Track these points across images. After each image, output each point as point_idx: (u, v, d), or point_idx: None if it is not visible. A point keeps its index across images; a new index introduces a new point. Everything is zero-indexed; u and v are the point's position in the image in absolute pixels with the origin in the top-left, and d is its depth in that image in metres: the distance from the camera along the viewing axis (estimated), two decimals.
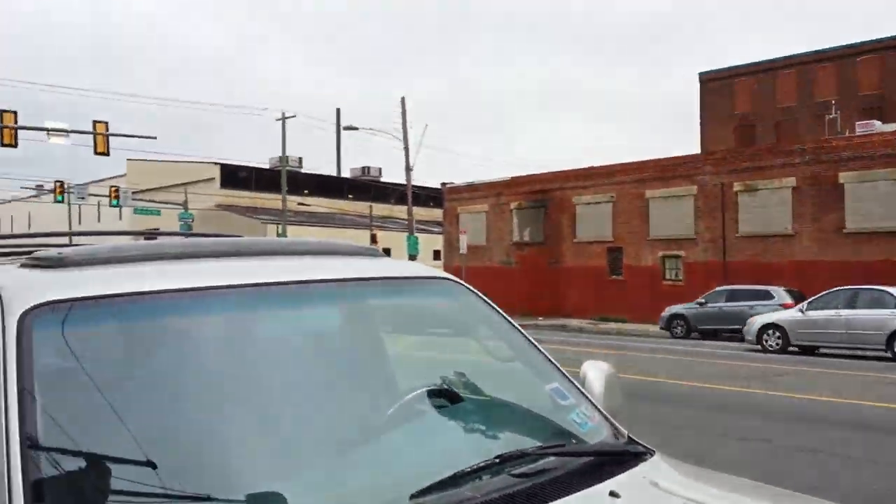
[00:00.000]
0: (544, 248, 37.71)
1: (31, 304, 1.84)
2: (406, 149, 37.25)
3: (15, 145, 25.82)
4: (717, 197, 31.39)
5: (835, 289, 20.41)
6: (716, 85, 55.72)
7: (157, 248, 2.27)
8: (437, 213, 59.72)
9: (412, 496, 1.72)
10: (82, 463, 1.66)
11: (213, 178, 53.44)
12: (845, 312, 19.09)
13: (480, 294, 2.59)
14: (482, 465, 1.87)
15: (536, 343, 2.52)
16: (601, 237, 35.31)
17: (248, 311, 2.16)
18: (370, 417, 2.21)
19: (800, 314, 20.21)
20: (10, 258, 2.72)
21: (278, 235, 43.26)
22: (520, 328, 2.54)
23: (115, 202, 40.07)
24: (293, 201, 48.60)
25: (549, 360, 2.48)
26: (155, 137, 29.60)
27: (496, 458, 1.90)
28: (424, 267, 2.72)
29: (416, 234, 39.50)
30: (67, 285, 1.95)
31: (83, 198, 40.81)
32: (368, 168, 67.20)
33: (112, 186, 41.09)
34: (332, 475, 1.90)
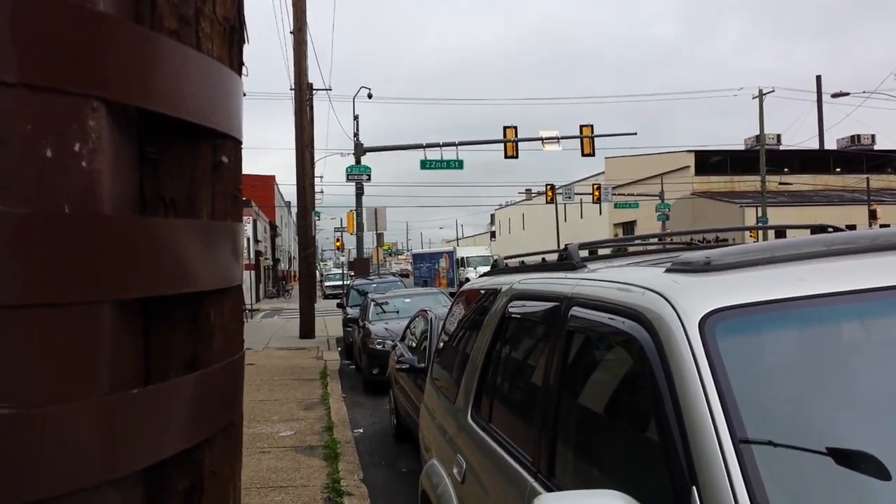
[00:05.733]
0: None
1: (708, 310, 1.91)
2: None
3: (516, 156, 29.19)
4: None
5: None
6: None
7: (803, 246, 2.21)
8: None
9: None
10: (788, 456, 1.66)
11: (687, 167, 53.19)
12: None
13: None
14: None
15: None
16: None
17: None
18: None
19: None
20: (635, 262, 2.96)
21: (758, 218, 41.15)
22: None
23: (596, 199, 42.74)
24: (772, 181, 45.73)
25: None
26: (635, 133, 30.80)
27: None
28: None
29: None
30: (728, 290, 2.00)
31: (570, 197, 44.33)
32: (858, 136, 59.77)
33: (594, 184, 43.85)
34: None
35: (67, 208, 0.76)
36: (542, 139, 29.30)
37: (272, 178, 63.32)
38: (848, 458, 1.62)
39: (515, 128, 29.08)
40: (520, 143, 29.36)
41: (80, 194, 0.77)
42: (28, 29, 0.72)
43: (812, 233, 3.07)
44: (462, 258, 46.49)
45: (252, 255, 38.79)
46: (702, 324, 1.88)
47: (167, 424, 0.86)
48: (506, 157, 29.49)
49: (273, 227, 61.05)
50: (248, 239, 36.71)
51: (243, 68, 1.08)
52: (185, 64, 0.89)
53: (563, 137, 29.40)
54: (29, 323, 0.72)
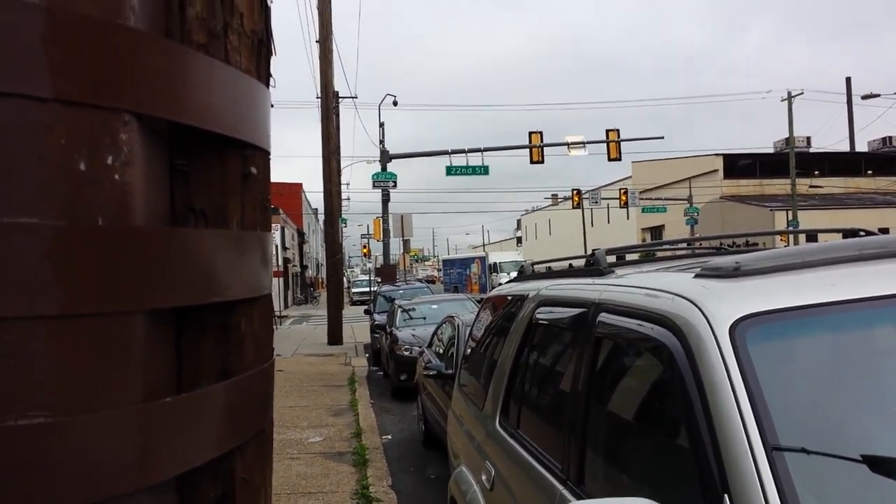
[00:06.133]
0: None
1: (738, 316, 1.89)
2: None
3: (542, 161, 29.09)
4: None
5: None
6: None
7: (835, 250, 2.18)
8: None
9: None
10: (821, 463, 1.64)
11: (715, 170, 52.64)
12: None
13: None
14: None
15: None
16: None
17: None
18: None
19: None
20: (663, 267, 2.94)
21: (788, 222, 40.59)
22: None
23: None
24: (802, 184, 45.06)
25: None
26: (662, 137, 30.43)
27: None
28: None
29: None
30: (759, 295, 1.98)
31: (596, 202, 44.08)
32: (890, 138, 58.72)
33: (621, 189, 43.57)
34: None
35: (101, 221, 0.77)
36: (567, 144, 29.18)
37: (299, 185, 63.89)
38: (883, 466, 1.59)
39: (541, 133, 29.00)
40: (545, 149, 29.26)
41: (113, 207, 0.78)
42: (60, 45, 0.74)
43: (844, 237, 3.02)
44: (494, 263, 45.92)
45: (280, 263, 39.09)
46: (732, 330, 1.86)
47: (199, 433, 0.88)
48: (531, 162, 29.40)
49: (301, 234, 61.46)
50: (277, 246, 37.00)
51: (271, 80, 1.09)
52: (214, 77, 0.91)
53: (589, 142, 29.27)
54: (64, 333, 0.74)
